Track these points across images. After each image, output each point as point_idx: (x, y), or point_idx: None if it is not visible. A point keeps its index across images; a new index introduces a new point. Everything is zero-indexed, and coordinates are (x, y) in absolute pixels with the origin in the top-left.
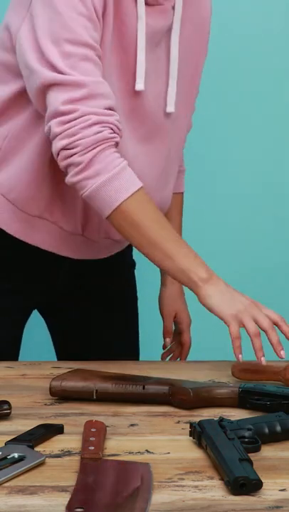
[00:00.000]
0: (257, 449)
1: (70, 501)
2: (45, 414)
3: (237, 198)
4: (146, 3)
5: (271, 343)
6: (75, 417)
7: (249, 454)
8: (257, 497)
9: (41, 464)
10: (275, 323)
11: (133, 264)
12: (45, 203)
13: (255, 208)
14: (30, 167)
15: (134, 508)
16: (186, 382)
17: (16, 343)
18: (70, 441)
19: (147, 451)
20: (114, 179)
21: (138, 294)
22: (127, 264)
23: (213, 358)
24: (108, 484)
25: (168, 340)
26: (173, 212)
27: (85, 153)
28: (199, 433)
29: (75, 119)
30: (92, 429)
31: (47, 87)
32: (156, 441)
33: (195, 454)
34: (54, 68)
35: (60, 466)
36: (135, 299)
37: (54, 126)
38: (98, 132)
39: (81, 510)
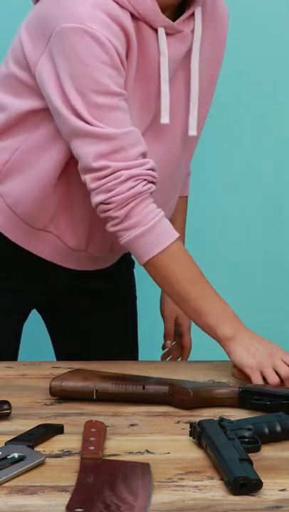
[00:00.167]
0: (257, 449)
1: (70, 501)
2: (45, 414)
3: (237, 196)
4: (167, 33)
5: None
6: (75, 417)
7: (249, 454)
8: (257, 497)
9: (41, 463)
10: None
11: (132, 263)
12: (51, 217)
13: (255, 207)
14: (38, 183)
15: (134, 508)
16: (186, 382)
17: (16, 343)
18: (70, 441)
19: (147, 451)
20: (148, 232)
21: (137, 294)
22: (127, 263)
23: (213, 358)
24: (108, 484)
25: (168, 342)
26: (177, 215)
27: (121, 209)
28: (199, 433)
29: (108, 175)
30: (92, 429)
31: (76, 134)
32: (156, 441)
33: (195, 454)
34: (81, 117)
35: (60, 466)
36: (134, 298)
37: (89, 182)
38: (132, 187)
39: (81, 510)
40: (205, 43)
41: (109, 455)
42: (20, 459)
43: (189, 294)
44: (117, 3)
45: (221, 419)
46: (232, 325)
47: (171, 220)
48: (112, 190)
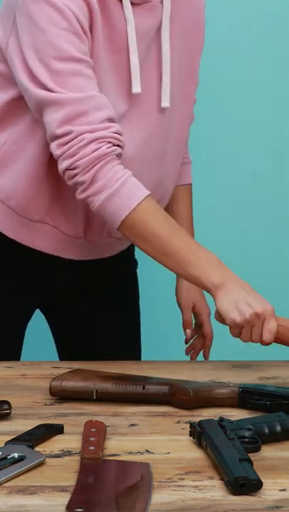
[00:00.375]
0: (257, 449)
1: (70, 501)
2: (45, 414)
3: (235, 188)
4: (133, 3)
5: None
6: (75, 417)
7: (249, 454)
8: (257, 497)
9: (41, 463)
10: (262, 343)
11: (135, 263)
12: (46, 207)
13: (255, 207)
14: (28, 173)
15: (134, 508)
16: (186, 382)
17: (19, 343)
18: (70, 441)
19: (147, 451)
20: (116, 194)
21: (139, 294)
22: (130, 263)
23: (213, 358)
24: (108, 484)
25: (188, 331)
26: (180, 204)
27: (86, 173)
28: (199, 433)
29: (71, 140)
30: (92, 429)
31: (41, 106)
32: (156, 441)
33: (195, 454)
34: (45, 87)
35: (60, 466)
36: (137, 298)
37: (54, 149)
38: (96, 150)
39: (81, 510)
40: (178, 13)
41: (109, 455)
42: (20, 459)
43: (170, 248)
44: None
45: (221, 419)
46: (219, 273)
47: (177, 210)
48: (76, 154)
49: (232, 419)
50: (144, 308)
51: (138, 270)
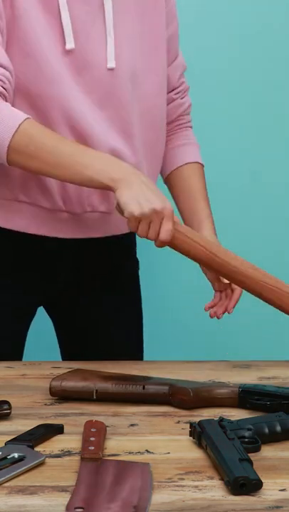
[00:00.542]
0: (257, 449)
1: (70, 501)
2: (45, 414)
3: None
4: None
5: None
6: (75, 417)
7: (249, 454)
8: (257, 497)
9: (41, 463)
10: (157, 244)
11: (137, 263)
12: (18, 183)
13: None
14: None
15: (134, 508)
16: (186, 382)
17: (20, 343)
18: (70, 441)
19: (147, 451)
20: None
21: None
22: (131, 262)
23: (213, 358)
24: (108, 484)
25: (218, 294)
26: (188, 181)
27: None
28: (199, 433)
29: None
30: (92, 429)
31: None
32: (156, 441)
33: (195, 454)
34: None
35: (60, 466)
36: (139, 297)
37: None
38: None
39: (81, 510)
40: None
41: (109, 455)
42: (20, 459)
43: (61, 156)
44: None
45: (221, 419)
46: (118, 168)
47: (189, 188)
48: None
49: (232, 419)
50: (144, 309)
51: (140, 270)
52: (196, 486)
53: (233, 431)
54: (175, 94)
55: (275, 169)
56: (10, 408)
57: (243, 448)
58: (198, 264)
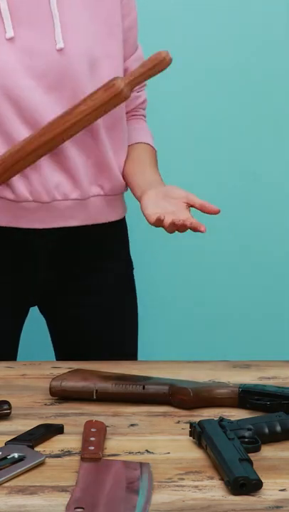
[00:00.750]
0: (257, 449)
1: (70, 501)
2: (45, 414)
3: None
4: None
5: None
6: (75, 417)
7: (249, 454)
8: (257, 497)
9: (41, 463)
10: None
11: (130, 264)
12: None
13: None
14: None
15: (135, 508)
16: (186, 382)
17: (13, 342)
18: (70, 441)
19: (147, 451)
20: None
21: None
22: (125, 263)
23: (213, 358)
24: (108, 484)
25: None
26: (138, 154)
27: None
28: (199, 433)
29: None
30: (92, 429)
31: None
32: (156, 441)
33: (195, 454)
34: None
35: (60, 466)
36: (134, 298)
37: None
38: None
39: (81, 510)
40: None
41: (109, 455)
42: (20, 459)
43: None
44: None
45: (221, 419)
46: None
47: (136, 171)
48: None
49: (232, 419)
50: (144, 309)
51: (136, 271)
52: (196, 486)
53: (233, 431)
54: None
55: (275, 169)
56: (10, 408)
57: (243, 448)
58: (198, 264)
